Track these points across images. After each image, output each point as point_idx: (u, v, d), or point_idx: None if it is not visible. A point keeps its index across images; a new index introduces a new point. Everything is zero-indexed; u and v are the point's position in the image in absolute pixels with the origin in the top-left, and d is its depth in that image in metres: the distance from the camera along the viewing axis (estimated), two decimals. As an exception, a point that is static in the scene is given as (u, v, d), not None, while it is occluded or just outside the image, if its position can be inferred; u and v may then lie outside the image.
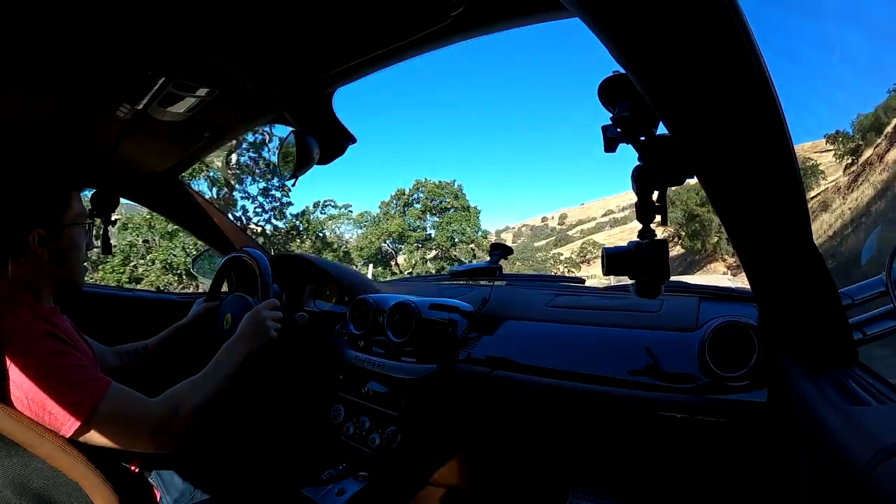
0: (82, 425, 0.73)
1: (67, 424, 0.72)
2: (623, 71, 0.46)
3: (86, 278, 0.95)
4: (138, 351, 1.16)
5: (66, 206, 0.86)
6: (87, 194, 1.42)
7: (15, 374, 0.72)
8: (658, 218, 0.61)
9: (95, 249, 1.16)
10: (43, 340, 0.75)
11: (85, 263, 0.93)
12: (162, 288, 10.04)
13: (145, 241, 10.72)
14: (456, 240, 21.26)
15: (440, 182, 22.17)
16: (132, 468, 0.94)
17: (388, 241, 22.13)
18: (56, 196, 0.86)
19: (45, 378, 0.72)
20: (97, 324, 1.48)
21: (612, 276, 0.67)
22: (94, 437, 0.75)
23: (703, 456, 0.89)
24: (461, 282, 1.59)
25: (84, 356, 0.80)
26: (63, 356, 0.76)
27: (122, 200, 1.47)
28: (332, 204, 19.98)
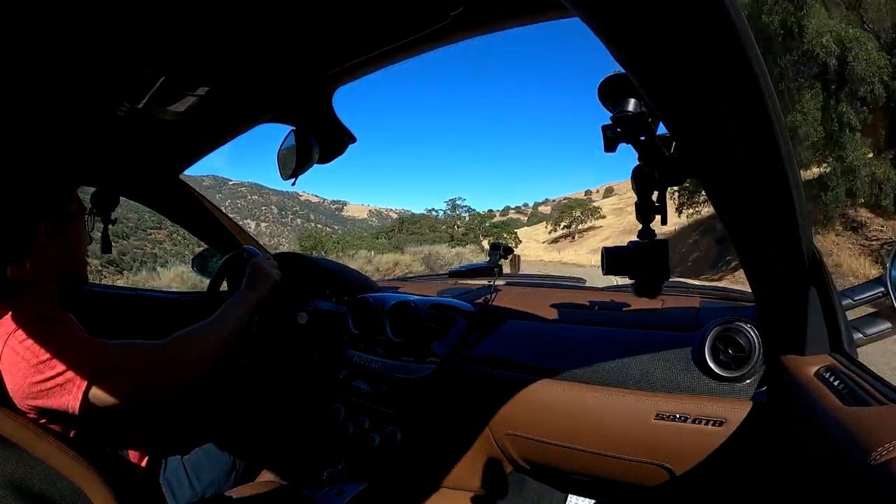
0: (88, 386, 0.72)
1: (73, 391, 0.72)
2: (623, 71, 0.46)
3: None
4: None
5: (69, 198, 0.87)
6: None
7: (9, 360, 0.72)
8: (658, 218, 0.62)
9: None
10: (32, 323, 0.75)
11: (86, 257, 0.94)
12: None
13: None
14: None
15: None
16: (141, 464, 0.94)
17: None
18: (60, 189, 0.86)
19: (40, 350, 0.72)
20: (97, 322, 1.48)
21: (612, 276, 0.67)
22: (106, 397, 0.74)
23: (703, 456, 0.89)
24: (461, 281, 1.60)
25: (81, 330, 0.80)
26: (54, 329, 0.75)
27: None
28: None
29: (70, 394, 0.72)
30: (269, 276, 1.07)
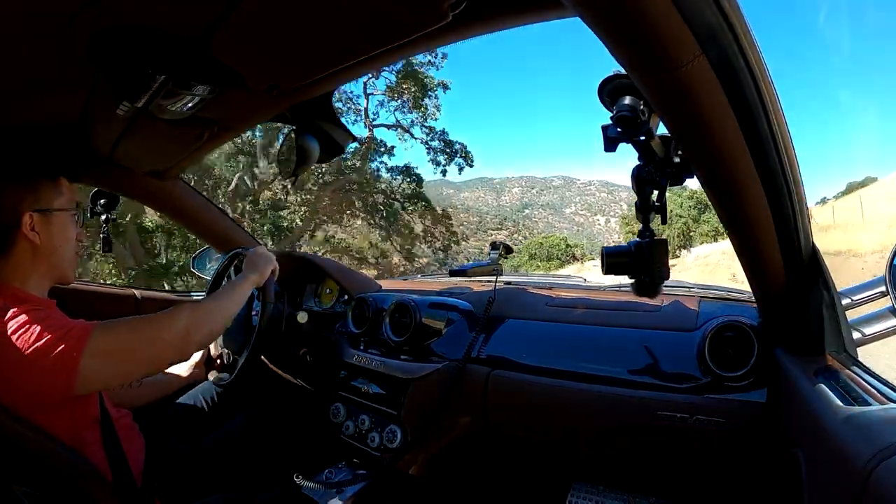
0: (81, 366, 0.72)
1: (67, 371, 0.71)
2: (623, 71, 0.46)
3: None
4: (133, 384, 1.14)
5: (57, 191, 0.87)
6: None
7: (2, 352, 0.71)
8: (658, 217, 0.62)
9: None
10: (22, 319, 0.74)
11: (76, 253, 0.93)
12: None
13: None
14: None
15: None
16: (138, 467, 0.94)
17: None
18: (48, 181, 0.86)
19: (30, 338, 0.72)
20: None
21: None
22: (101, 373, 0.74)
23: (703, 456, 0.89)
24: (461, 280, 1.59)
25: (67, 317, 0.80)
26: (40, 313, 0.75)
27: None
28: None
29: (64, 374, 0.71)
30: (268, 259, 1.08)
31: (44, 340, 0.72)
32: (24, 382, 0.71)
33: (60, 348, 0.72)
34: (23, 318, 0.74)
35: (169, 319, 0.82)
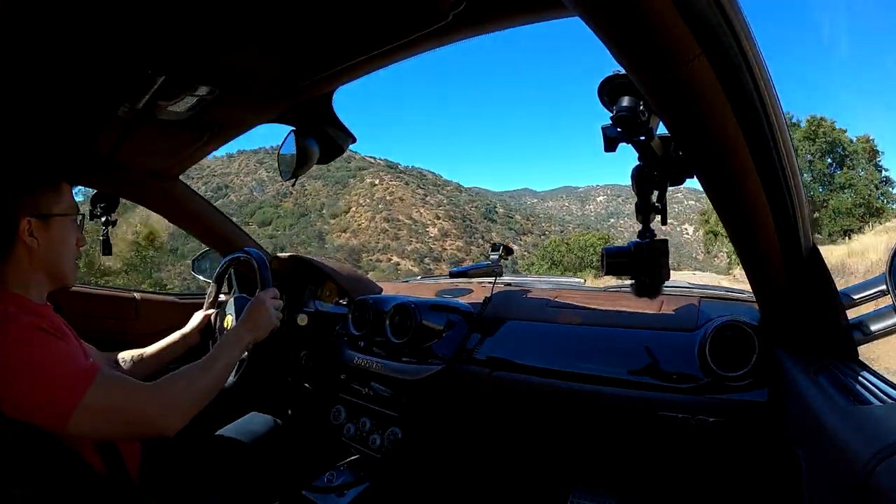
0: (72, 418, 0.71)
1: (56, 419, 0.71)
2: (623, 71, 0.46)
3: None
4: (134, 359, 1.13)
5: (57, 196, 0.86)
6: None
7: (2, 366, 0.70)
8: (658, 217, 0.62)
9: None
10: (28, 334, 0.73)
11: (77, 260, 0.93)
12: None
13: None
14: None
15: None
16: (135, 468, 0.93)
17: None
18: (48, 186, 0.85)
19: (29, 372, 0.71)
20: (95, 324, 1.48)
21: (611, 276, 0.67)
22: (89, 429, 0.73)
23: (704, 455, 0.89)
24: (461, 282, 1.60)
25: (73, 348, 0.79)
26: (48, 349, 0.74)
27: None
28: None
29: (54, 418, 0.71)
30: (270, 321, 1.01)
31: (46, 376, 0.72)
32: (20, 400, 0.71)
33: (57, 394, 0.71)
34: (28, 336, 0.73)
35: (161, 394, 0.81)
